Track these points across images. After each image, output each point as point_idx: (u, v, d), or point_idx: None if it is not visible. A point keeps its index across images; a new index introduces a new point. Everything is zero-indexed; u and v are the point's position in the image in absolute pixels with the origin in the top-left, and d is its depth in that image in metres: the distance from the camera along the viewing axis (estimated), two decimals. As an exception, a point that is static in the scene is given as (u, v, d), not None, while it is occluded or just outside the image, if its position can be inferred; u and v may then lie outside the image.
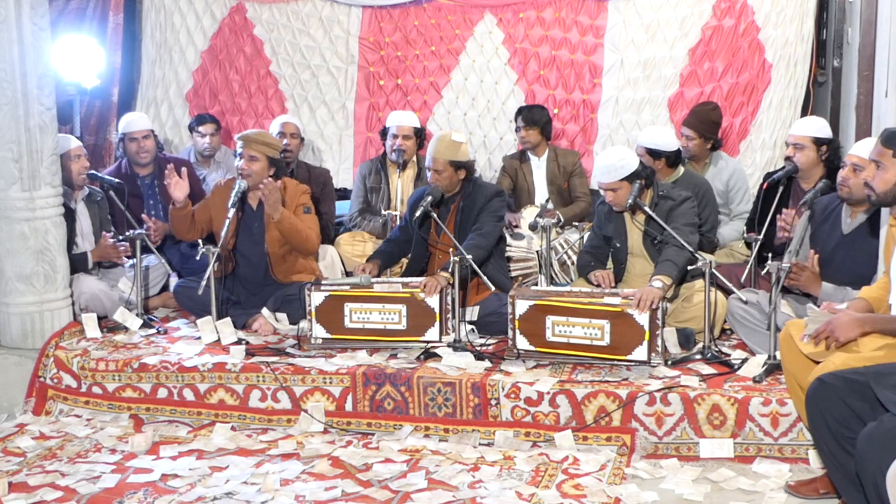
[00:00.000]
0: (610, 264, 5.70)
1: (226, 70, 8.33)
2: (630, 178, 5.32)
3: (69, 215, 5.78)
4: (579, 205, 6.97)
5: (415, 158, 6.92)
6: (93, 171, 6.32)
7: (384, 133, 7.00)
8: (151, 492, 4.26)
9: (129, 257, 6.12)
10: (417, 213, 5.52)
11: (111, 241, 6.05)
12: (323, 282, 5.53)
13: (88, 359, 5.34)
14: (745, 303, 5.08)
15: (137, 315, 5.83)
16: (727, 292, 5.19)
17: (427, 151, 5.78)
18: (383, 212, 6.75)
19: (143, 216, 6.28)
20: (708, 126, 6.54)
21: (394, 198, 6.82)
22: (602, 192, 5.46)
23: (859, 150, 4.81)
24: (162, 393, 5.20)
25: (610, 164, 5.34)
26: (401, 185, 6.80)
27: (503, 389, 4.77)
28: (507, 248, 6.23)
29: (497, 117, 7.83)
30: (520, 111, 7.16)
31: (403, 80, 8.00)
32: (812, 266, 4.69)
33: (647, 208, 5.30)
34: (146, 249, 5.91)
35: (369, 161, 7.16)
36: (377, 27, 8.04)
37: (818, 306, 4.31)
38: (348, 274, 6.45)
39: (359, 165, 7.43)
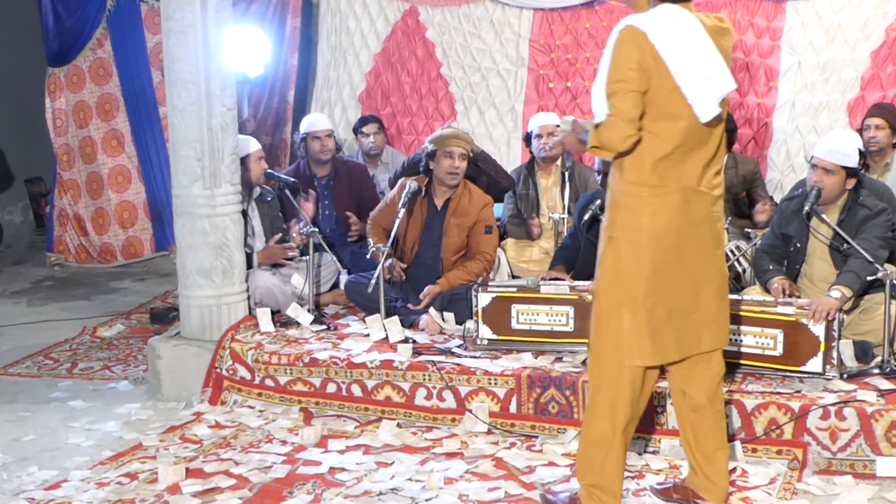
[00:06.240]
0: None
1: (398, 72, 8.46)
2: (848, 171, 5.11)
3: (242, 215, 5.92)
4: None
5: (559, 162, 6.84)
6: (269, 171, 6.51)
7: (528, 139, 6.93)
8: (320, 484, 4.36)
9: (302, 252, 6.25)
10: (585, 217, 5.49)
11: (294, 234, 6.24)
12: (490, 283, 5.55)
13: (262, 352, 5.49)
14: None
15: (309, 311, 5.95)
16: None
17: None
18: (550, 217, 6.70)
19: (348, 213, 6.70)
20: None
21: (542, 203, 6.81)
22: (811, 168, 5.20)
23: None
24: (331, 388, 5.31)
25: (838, 146, 5.11)
26: (545, 188, 6.79)
27: (669, 397, 4.68)
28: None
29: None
30: None
31: (573, 82, 7.96)
32: None
33: (824, 216, 5.10)
34: (318, 248, 6.04)
35: (516, 168, 7.12)
36: (548, 30, 8.02)
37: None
38: (515, 278, 6.44)
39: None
